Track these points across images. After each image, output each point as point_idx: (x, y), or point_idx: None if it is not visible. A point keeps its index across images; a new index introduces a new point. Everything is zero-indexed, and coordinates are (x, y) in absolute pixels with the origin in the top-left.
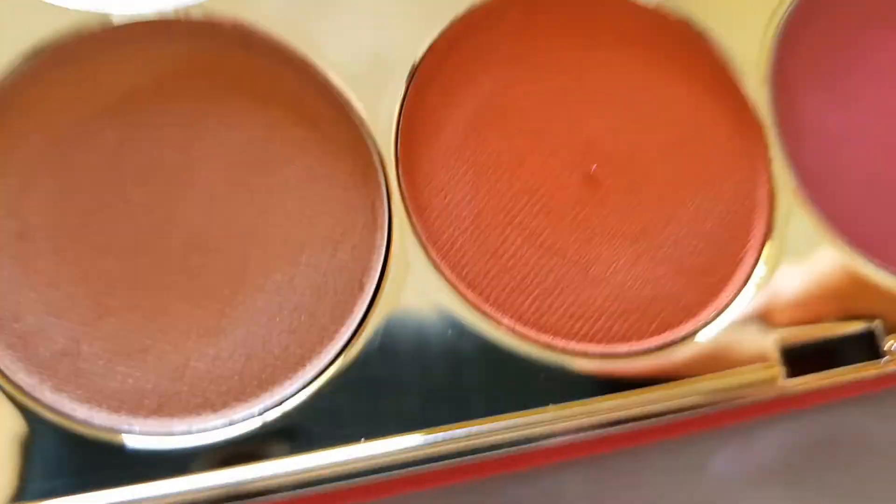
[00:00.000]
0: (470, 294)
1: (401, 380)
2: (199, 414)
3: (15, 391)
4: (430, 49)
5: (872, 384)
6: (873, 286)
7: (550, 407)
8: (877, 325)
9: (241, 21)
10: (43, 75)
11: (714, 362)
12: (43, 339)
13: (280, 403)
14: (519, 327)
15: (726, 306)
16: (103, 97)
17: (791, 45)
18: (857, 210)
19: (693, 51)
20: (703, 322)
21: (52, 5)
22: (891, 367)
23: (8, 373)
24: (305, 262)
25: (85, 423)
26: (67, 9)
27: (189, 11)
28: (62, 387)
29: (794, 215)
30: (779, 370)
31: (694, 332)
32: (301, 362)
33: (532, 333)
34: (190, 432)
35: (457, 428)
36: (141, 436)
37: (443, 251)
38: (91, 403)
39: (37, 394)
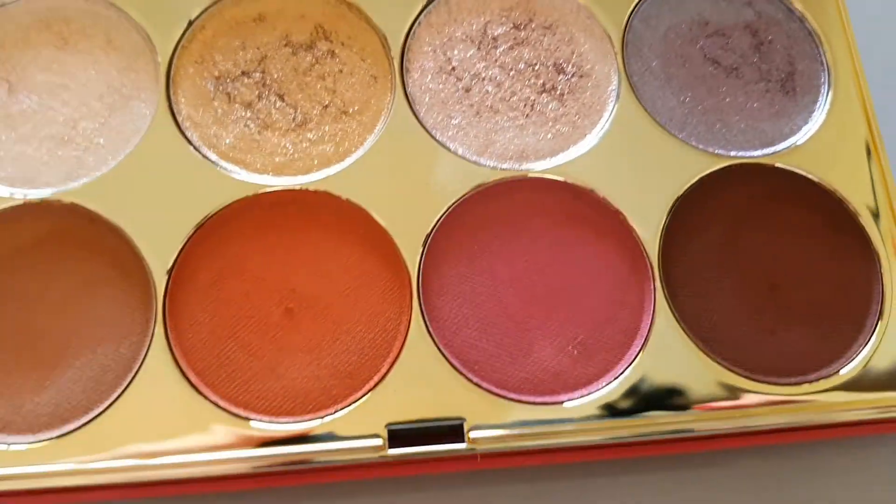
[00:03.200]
0: (196, 380)
1: None
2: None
3: None
4: (205, 222)
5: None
6: (464, 393)
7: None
8: (463, 419)
9: (85, 206)
10: None
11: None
12: None
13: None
14: (222, 402)
15: (361, 397)
16: (7, 247)
17: (441, 238)
18: (471, 344)
19: (364, 227)
20: (341, 406)
21: None
22: (470, 451)
23: None
24: (100, 352)
25: None
26: None
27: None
28: None
29: (419, 344)
30: (385, 443)
31: (336, 411)
32: (86, 411)
33: (231, 407)
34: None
35: None
36: None
37: (186, 354)
38: None
39: None
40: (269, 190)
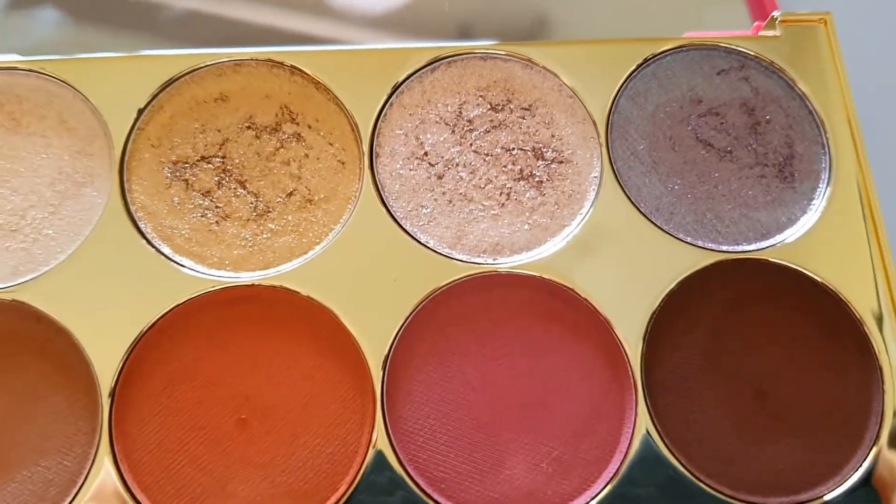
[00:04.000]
0: (142, 496)
1: None
2: None
3: None
4: (157, 321)
5: None
6: None
7: None
8: None
9: (31, 304)
10: None
11: None
12: None
13: None
14: None
15: None
16: None
17: (409, 339)
18: (438, 459)
19: (326, 328)
20: None
21: None
22: None
23: None
24: (43, 465)
25: None
26: None
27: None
28: None
29: (381, 461)
30: None
31: None
32: None
33: None
34: None
35: None
36: None
37: (133, 469)
38: None
39: None
40: (225, 286)
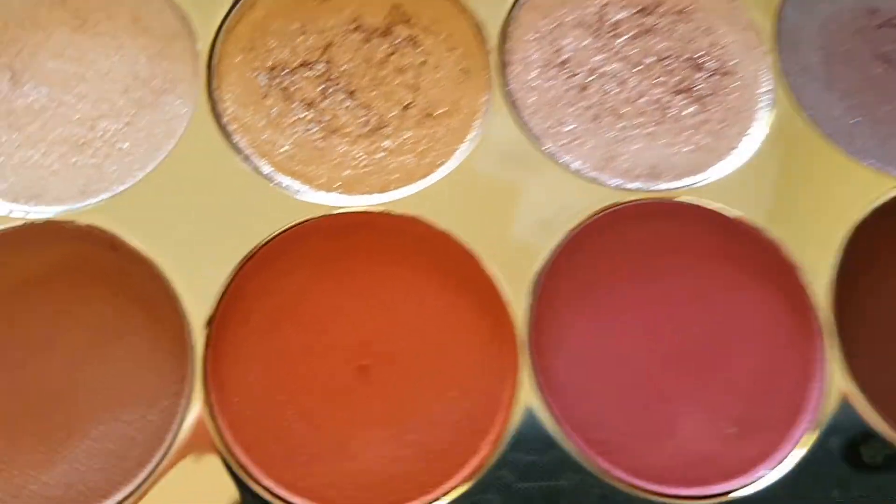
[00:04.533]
0: (243, 457)
1: None
2: None
3: None
4: (256, 252)
5: None
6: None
7: None
8: None
9: (104, 229)
10: None
11: None
12: None
13: None
14: (277, 489)
15: (456, 486)
16: (5, 282)
17: (555, 278)
18: (597, 419)
19: (456, 263)
20: (431, 499)
21: None
22: None
23: None
24: (123, 419)
25: None
26: None
27: (70, 218)
28: None
29: (529, 417)
30: None
31: None
32: (104, 495)
33: (288, 495)
34: None
35: None
36: None
37: (232, 421)
38: None
39: None
40: (336, 212)
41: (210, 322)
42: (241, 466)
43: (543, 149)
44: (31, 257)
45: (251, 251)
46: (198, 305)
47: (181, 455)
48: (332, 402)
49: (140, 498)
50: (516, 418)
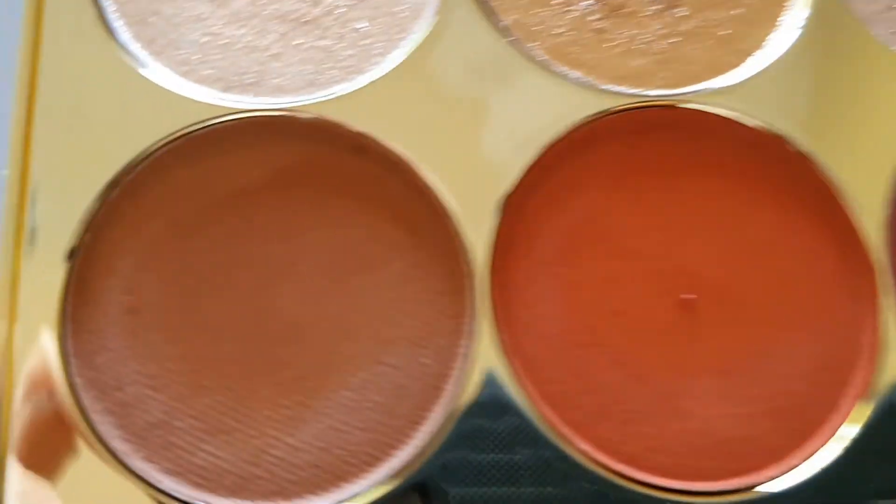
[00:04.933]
0: (549, 413)
1: None
2: (272, 501)
3: (108, 455)
4: (532, 166)
5: None
6: None
7: None
8: None
9: (354, 127)
10: (172, 164)
11: None
12: (140, 410)
13: (350, 499)
14: (596, 453)
15: (813, 454)
16: (223, 189)
17: None
18: None
19: (802, 182)
20: (787, 467)
21: (183, 98)
22: None
23: (105, 438)
24: (390, 363)
25: (168, 494)
26: (196, 101)
27: (304, 113)
28: (152, 458)
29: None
30: None
31: (776, 477)
32: (372, 462)
33: (610, 462)
34: None
35: None
36: None
37: (526, 365)
38: (176, 476)
39: (127, 461)
40: (631, 105)
41: (493, 248)
42: (550, 424)
43: None
44: (249, 159)
45: (533, 159)
46: (475, 223)
47: (467, 406)
48: (650, 346)
49: (415, 465)
50: (879, 371)
